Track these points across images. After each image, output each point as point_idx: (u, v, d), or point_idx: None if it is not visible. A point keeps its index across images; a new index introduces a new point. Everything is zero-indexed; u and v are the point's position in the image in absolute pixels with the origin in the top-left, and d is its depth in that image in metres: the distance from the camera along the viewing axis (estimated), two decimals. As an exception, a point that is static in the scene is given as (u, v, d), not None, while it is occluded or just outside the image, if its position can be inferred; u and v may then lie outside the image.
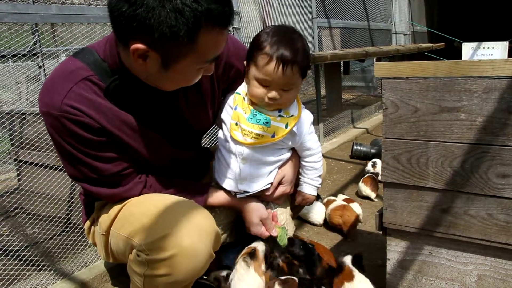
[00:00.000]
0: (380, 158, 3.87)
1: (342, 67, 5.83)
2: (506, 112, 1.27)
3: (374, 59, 6.65)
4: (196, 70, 1.34)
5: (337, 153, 4.36)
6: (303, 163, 1.74)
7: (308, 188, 1.76)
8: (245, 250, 1.64)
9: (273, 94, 1.54)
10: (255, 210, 1.66)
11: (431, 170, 1.42)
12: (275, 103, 1.57)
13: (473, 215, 1.38)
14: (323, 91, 5.35)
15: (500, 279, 1.40)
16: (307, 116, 1.69)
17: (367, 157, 3.98)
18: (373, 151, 3.99)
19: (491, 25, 11.28)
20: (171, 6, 1.14)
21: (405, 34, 8.62)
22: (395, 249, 1.56)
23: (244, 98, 1.63)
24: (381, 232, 1.60)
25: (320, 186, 1.78)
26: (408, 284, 1.56)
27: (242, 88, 1.65)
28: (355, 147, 4.07)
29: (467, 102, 1.32)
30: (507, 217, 1.33)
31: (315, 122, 4.42)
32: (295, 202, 1.81)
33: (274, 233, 1.68)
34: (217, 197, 1.67)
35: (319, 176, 1.76)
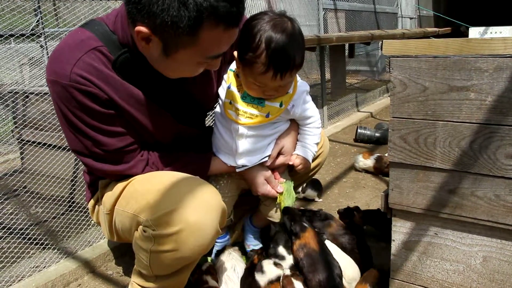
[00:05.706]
0: (384, 142, 3.85)
1: (347, 50, 5.77)
2: (517, 92, 1.24)
3: (379, 43, 6.57)
4: (196, 63, 1.32)
5: (341, 136, 4.34)
6: (302, 129, 1.74)
7: (304, 151, 1.74)
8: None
9: (270, 92, 1.53)
10: (258, 171, 1.68)
11: (438, 150, 1.39)
12: (272, 97, 1.56)
13: (480, 196, 1.36)
14: (327, 75, 5.30)
15: (506, 261, 1.39)
16: (301, 87, 1.66)
17: (371, 140, 3.97)
18: (377, 134, 3.97)
19: (499, 10, 11.10)
20: None
21: (411, 18, 8.52)
22: (400, 230, 1.55)
23: (237, 75, 1.59)
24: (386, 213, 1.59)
25: (315, 153, 1.78)
26: (412, 265, 1.55)
27: (235, 65, 1.61)
28: (359, 130, 4.05)
29: (477, 81, 1.29)
30: (515, 198, 1.31)
31: (319, 106, 4.39)
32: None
33: (279, 189, 1.71)
34: (219, 165, 1.68)
35: (316, 144, 1.76)
